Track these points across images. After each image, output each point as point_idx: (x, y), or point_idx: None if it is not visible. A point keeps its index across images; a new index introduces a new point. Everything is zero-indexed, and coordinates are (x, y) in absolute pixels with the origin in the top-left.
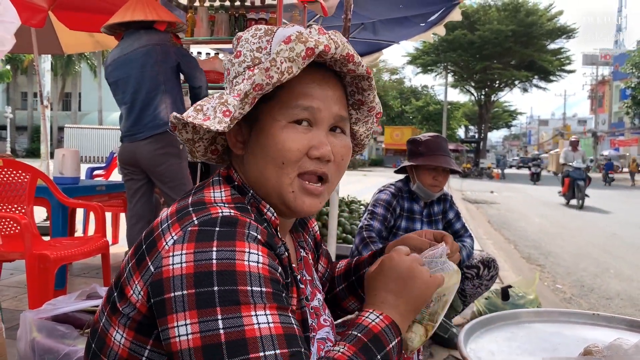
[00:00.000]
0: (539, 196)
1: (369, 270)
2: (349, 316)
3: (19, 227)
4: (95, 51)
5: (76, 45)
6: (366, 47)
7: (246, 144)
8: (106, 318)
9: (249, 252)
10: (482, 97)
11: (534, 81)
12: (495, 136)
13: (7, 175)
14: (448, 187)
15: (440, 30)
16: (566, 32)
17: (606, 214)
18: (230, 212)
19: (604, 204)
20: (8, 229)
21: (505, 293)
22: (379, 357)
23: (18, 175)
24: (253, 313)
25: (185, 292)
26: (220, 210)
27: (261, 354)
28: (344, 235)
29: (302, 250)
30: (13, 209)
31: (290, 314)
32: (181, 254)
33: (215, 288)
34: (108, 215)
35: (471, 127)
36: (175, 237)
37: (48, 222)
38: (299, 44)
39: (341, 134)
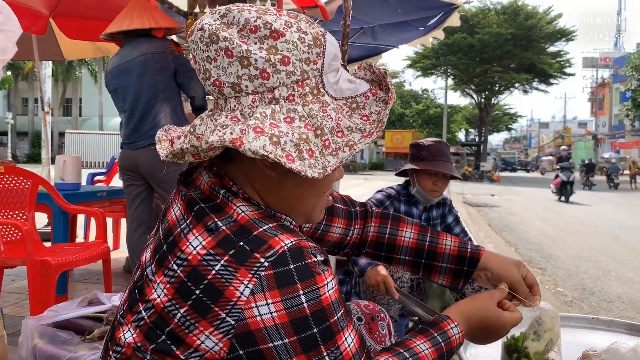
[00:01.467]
0: (540, 199)
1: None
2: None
3: (20, 234)
4: (95, 57)
5: (77, 51)
6: (365, 51)
7: (280, 167)
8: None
9: (327, 284)
10: (482, 100)
11: (534, 84)
12: (496, 139)
13: (8, 182)
14: (448, 192)
15: (440, 34)
16: (565, 34)
17: (607, 217)
18: (292, 241)
19: (605, 207)
20: (9, 235)
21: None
22: None
23: (19, 181)
24: (344, 338)
25: (286, 340)
26: (283, 243)
27: None
28: None
29: None
30: (14, 215)
31: (353, 326)
32: (267, 304)
33: (315, 330)
34: (109, 221)
35: (471, 130)
36: (251, 287)
37: (49, 227)
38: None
39: None
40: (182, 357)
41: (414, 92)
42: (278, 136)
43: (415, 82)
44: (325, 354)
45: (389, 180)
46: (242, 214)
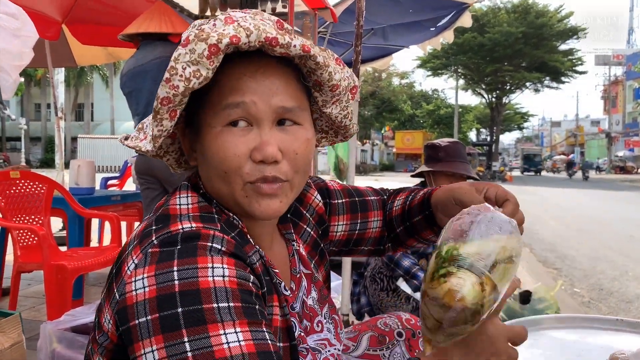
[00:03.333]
0: (553, 199)
1: None
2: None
3: (36, 238)
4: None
5: (89, 57)
6: (376, 51)
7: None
8: (90, 346)
9: (212, 267)
10: (493, 99)
11: (546, 82)
12: (508, 139)
13: (24, 187)
14: None
15: (450, 35)
16: (577, 32)
17: (621, 216)
18: (191, 226)
19: (617, 205)
20: (26, 240)
21: (524, 297)
22: None
23: (35, 186)
24: (222, 332)
25: (149, 317)
26: (181, 226)
27: None
28: None
29: (294, 244)
30: (30, 220)
31: (264, 329)
32: (142, 278)
33: (180, 310)
34: (123, 225)
35: (483, 130)
36: (136, 261)
37: (64, 232)
38: (199, 43)
39: (293, 126)
40: (97, 338)
41: (424, 92)
42: (144, 122)
43: (425, 82)
44: (186, 338)
45: (400, 182)
46: (174, 206)
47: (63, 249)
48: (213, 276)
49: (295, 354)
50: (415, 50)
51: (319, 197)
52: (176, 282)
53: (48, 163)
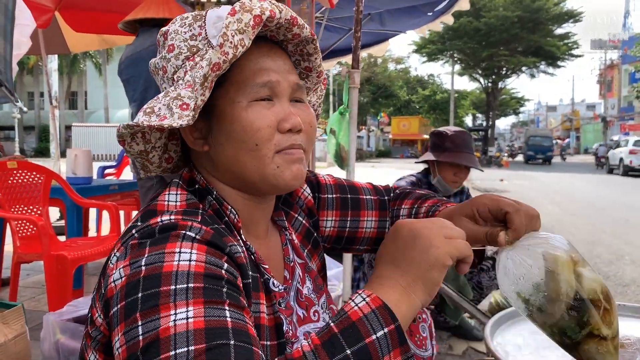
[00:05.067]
0: (550, 183)
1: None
2: None
3: (35, 229)
4: (100, 49)
5: (82, 44)
6: (373, 37)
7: (207, 138)
8: (84, 341)
9: (180, 252)
10: (489, 84)
11: (541, 67)
12: (503, 124)
13: (21, 177)
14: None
15: (449, 19)
16: (573, 16)
17: (617, 200)
18: (170, 219)
19: (614, 189)
20: (24, 231)
21: None
22: (348, 352)
23: (32, 176)
24: (172, 312)
25: (118, 306)
26: (160, 219)
27: (171, 352)
28: None
29: (286, 234)
30: (28, 211)
31: (228, 307)
32: (120, 269)
33: (140, 294)
34: (121, 214)
35: (479, 115)
36: (117, 254)
37: (61, 222)
38: (245, 13)
39: (302, 104)
40: (90, 332)
41: (420, 77)
42: (152, 106)
43: (421, 67)
44: (140, 322)
45: (397, 167)
46: (162, 202)
47: (61, 239)
48: (179, 260)
49: (283, 352)
50: (411, 35)
51: (308, 190)
52: (143, 268)
53: (42, 152)
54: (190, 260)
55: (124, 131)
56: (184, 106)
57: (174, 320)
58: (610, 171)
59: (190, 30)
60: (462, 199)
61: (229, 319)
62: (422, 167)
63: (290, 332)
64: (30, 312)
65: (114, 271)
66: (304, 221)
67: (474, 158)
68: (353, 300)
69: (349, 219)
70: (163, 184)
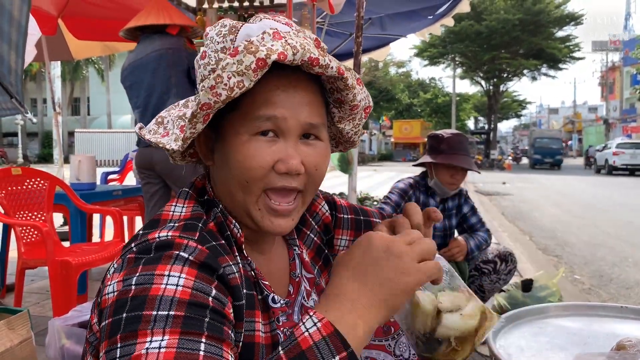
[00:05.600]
0: (552, 186)
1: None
2: None
3: (39, 234)
4: (103, 55)
5: (85, 50)
6: (374, 42)
7: (214, 154)
8: (84, 345)
9: (169, 275)
10: (491, 87)
11: (543, 69)
12: (505, 126)
13: (26, 184)
14: (464, 182)
15: (449, 22)
16: (574, 18)
17: (619, 202)
18: (167, 235)
19: (616, 191)
20: (29, 237)
21: (526, 285)
22: None
23: (37, 183)
24: (148, 339)
25: (106, 321)
26: (158, 235)
27: None
28: None
29: (295, 249)
30: (33, 217)
31: (205, 340)
32: (114, 283)
33: (124, 315)
34: (124, 220)
35: (480, 118)
36: (115, 266)
37: (65, 227)
38: (247, 55)
39: (315, 141)
40: (88, 337)
41: (421, 81)
42: (164, 116)
43: (422, 71)
44: (119, 344)
45: (399, 171)
46: (167, 212)
47: (65, 244)
48: (166, 284)
49: None
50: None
51: (326, 207)
52: (133, 287)
53: (46, 158)
54: (177, 285)
55: (139, 131)
56: (182, 129)
57: (147, 349)
58: (598, 171)
59: (223, 42)
60: (460, 202)
61: (201, 353)
62: (422, 171)
63: None
64: (35, 318)
65: (109, 283)
66: (315, 238)
67: (470, 160)
68: (304, 324)
69: (329, 235)
70: (167, 191)
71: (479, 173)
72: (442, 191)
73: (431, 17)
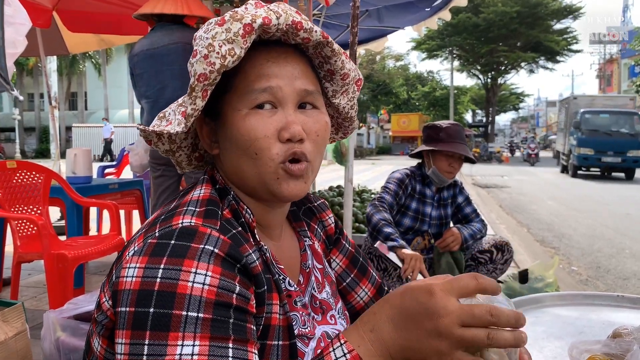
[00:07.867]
0: (550, 178)
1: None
2: None
3: (35, 228)
4: (99, 49)
5: (81, 44)
6: (371, 33)
7: (218, 141)
8: (90, 327)
9: (196, 273)
10: (489, 80)
11: (541, 62)
12: (503, 119)
13: (21, 177)
14: (459, 173)
15: (446, 15)
16: (572, 11)
17: (617, 194)
18: (191, 222)
19: (614, 184)
20: (25, 230)
21: (523, 276)
22: None
23: (32, 176)
24: (180, 342)
25: (128, 309)
26: (181, 221)
27: None
28: (357, 224)
29: (306, 240)
30: (29, 210)
31: (232, 346)
32: (134, 267)
33: (151, 310)
34: (121, 213)
35: (478, 111)
36: (136, 248)
37: (62, 221)
38: (234, 22)
39: (313, 110)
40: (96, 316)
41: (419, 74)
42: (165, 111)
43: (420, 64)
44: (146, 341)
45: (397, 165)
46: (188, 196)
47: (62, 238)
48: (193, 282)
49: (295, 352)
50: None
51: (332, 219)
52: (158, 280)
53: (43, 153)
54: (204, 284)
55: (143, 134)
56: (185, 113)
57: (180, 354)
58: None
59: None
60: (454, 193)
61: (230, 359)
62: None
63: (309, 328)
64: (31, 312)
65: (128, 265)
66: (322, 234)
67: (467, 148)
68: (334, 351)
69: (351, 275)
70: (178, 186)
71: (475, 162)
72: (440, 180)
73: (428, 9)
